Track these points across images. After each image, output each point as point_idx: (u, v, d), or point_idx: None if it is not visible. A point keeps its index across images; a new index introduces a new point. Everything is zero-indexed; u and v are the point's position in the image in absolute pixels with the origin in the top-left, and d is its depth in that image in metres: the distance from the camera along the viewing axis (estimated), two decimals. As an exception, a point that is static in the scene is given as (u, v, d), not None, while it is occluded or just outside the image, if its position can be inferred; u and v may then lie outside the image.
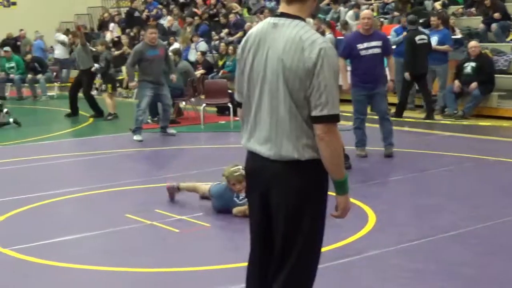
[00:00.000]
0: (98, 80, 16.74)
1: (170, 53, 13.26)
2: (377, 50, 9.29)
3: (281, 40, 3.27)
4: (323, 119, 3.21)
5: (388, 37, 10.31)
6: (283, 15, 3.35)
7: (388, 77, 10.21)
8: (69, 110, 15.53)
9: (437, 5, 16.85)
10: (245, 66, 3.42)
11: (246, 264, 3.62)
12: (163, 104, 12.21)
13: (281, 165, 3.32)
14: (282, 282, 3.40)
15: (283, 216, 3.35)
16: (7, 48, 20.35)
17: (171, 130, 12.35)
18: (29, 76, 19.68)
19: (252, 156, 3.46)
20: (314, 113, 3.21)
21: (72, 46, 15.38)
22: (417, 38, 13.23)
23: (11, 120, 13.94)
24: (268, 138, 3.34)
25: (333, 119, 3.23)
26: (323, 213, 3.42)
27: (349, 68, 9.90)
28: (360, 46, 9.23)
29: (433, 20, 14.36)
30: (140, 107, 11.83)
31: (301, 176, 3.31)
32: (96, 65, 15.06)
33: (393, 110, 13.28)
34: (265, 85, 3.32)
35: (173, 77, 12.40)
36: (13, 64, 19.95)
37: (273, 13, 17.15)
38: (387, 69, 10.24)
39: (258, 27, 3.43)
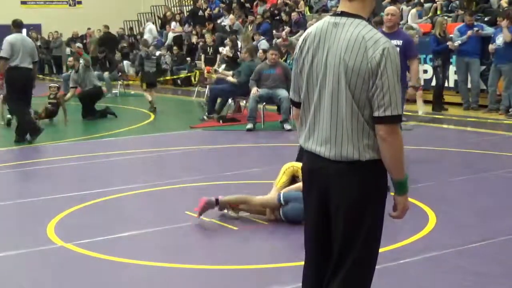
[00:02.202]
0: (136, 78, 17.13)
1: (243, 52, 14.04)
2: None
3: (342, 39, 3.23)
4: (386, 119, 3.18)
5: (412, 39, 9.27)
6: (343, 14, 3.31)
7: (409, 83, 9.05)
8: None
9: (503, 2, 16.49)
10: (304, 66, 3.39)
11: (302, 263, 3.60)
12: None
13: (341, 166, 3.29)
14: (340, 282, 3.36)
15: (342, 216, 3.31)
16: (79, 45, 20.57)
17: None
18: (95, 73, 20.00)
19: (311, 156, 3.42)
20: (377, 113, 3.19)
21: (73, 69, 15.80)
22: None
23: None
24: (328, 139, 3.31)
25: (396, 119, 3.20)
26: (382, 213, 3.38)
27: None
28: None
29: (500, 20, 14.05)
30: None
31: (362, 177, 3.29)
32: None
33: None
34: (326, 85, 3.28)
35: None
36: (81, 63, 20.21)
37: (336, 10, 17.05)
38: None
39: (317, 26, 3.38)
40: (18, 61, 11.30)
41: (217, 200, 6.67)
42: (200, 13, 25.12)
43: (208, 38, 21.02)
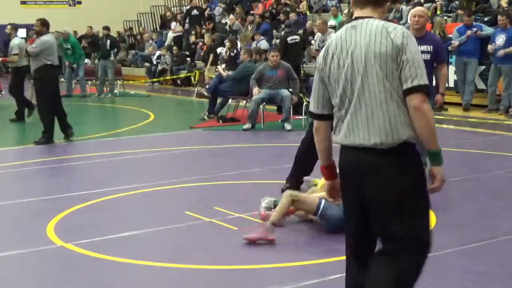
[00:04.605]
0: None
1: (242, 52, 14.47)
2: (426, 56, 7.58)
3: (364, 34, 3.49)
4: (417, 88, 3.40)
5: (442, 44, 8.70)
6: (358, 18, 3.59)
7: (440, 89, 8.37)
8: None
9: (503, 3, 16.49)
10: (331, 71, 3.58)
11: (302, 263, 3.61)
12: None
13: (385, 153, 3.46)
14: (398, 266, 3.54)
15: (398, 200, 3.47)
16: (65, 29, 20.44)
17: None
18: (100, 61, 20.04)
19: (352, 151, 3.56)
20: (406, 85, 3.41)
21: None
22: (289, 38, 15.82)
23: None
24: (372, 128, 3.47)
25: (425, 88, 3.42)
26: (426, 191, 3.60)
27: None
28: None
29: (501, 19, 14.04)
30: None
31: (410, 159, 3.51)
32: None
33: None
34: (358, 78, 3.48)
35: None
36: (68, 46, 19.96)
37: (335, 10, 17.06)
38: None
39: (336, 35, 3.63)
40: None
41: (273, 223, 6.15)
42: (195, 12, 25.06)
43: (207, 38, 21.05)
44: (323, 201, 6.13)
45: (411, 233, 3.52)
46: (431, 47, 7.81)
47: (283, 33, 17.50)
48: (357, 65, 3.48)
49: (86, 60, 21.95)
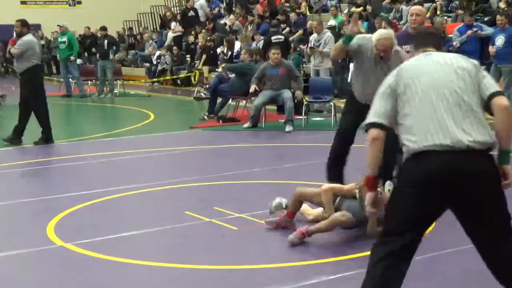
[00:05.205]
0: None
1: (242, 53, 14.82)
2: None
3: (442, 56, 3.98)
4: (501, 92, 3.90)
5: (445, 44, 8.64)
6: (427, 51, 4.09)
7: None
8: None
9: (502, 4, 16.51)
10: (407, 86, 3.88)
11: (302, 263, 3.60)
12: None
13: (474, 154, 3.77)
14: None
15: (492, 199, 3.87)
16: (64, 23, 20.34)
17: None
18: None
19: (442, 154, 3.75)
20: (491, 91, 3.87)
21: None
22: (273, 38, 16.22)
23: None
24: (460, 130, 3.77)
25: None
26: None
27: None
28: (406, 47, 7.37)
29: (500, 19, 14.04)
30: None
31: (491, 160, 3.85)
32: None
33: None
34: (443, 91, 3.82)
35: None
36: (64, 39, 19.72)
37: (335, 10, 16.98)
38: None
39: (409, 62, 4.06)
40: None
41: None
42: (191, 13, 25.04)
43: (200, 38, 21.22)
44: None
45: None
46: None
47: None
48: (440, 79, 3.95)
49: (79, 61, 21.83)
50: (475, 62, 4.00)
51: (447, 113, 3.77)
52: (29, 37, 11.61)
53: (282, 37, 16.69)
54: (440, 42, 4.36)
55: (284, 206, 6.51)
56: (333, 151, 7.28)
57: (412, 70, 3.95)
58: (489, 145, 3.78)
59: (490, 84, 3.90)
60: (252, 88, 12.91)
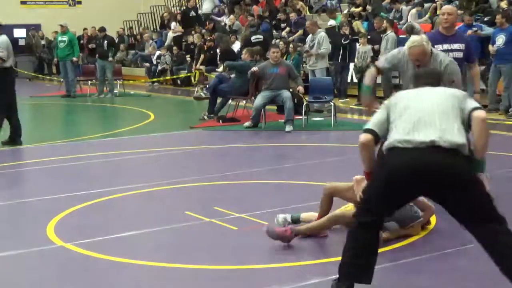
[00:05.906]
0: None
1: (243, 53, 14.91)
2: (459, 54, 7.41)
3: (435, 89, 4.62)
4: (481, 107, 4.38)
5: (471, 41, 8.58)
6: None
7: (475, 88, 8.13)
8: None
9: (503, 4, 16.50)
10: (408, 101, 4.49)
11: (302, 263, 3.60)
12: None
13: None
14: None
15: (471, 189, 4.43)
16: (64, 23, 20.26)
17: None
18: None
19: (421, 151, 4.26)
20: (473, 105, 4.38)
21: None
22: (252, 37, 17.39)
23: None
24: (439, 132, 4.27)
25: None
26: None
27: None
28: (439, 47, 7.22)
29: (498, 18, 14.04)
30: None
31: (461, 157, 4.27)
32: None
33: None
34: (436, 106, 4.40)
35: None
36: (64, 38, 19.60)
37: (335, 11, 17.02)
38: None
39: (404, 92, 4.78)
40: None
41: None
42: (192, 13, 25.03)
43: (196, 38, 21.43)
44: None
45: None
46: (463, 45, 7.56)
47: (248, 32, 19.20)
48: (437, 99, 4.55)
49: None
50: (464, 92, 4.62)
51: (426, 119, 4.33)
52: (4, 37, 11.26)
53: (262, 37, 17.47)
54: (439, 80, 4.91)
55: (289, 221, 6.38)
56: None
57: (405, 94, 4.68)
58: (456, 146, 4.20)
59: (472, 103, 4.41)
60: (253, 69, 12.98)
